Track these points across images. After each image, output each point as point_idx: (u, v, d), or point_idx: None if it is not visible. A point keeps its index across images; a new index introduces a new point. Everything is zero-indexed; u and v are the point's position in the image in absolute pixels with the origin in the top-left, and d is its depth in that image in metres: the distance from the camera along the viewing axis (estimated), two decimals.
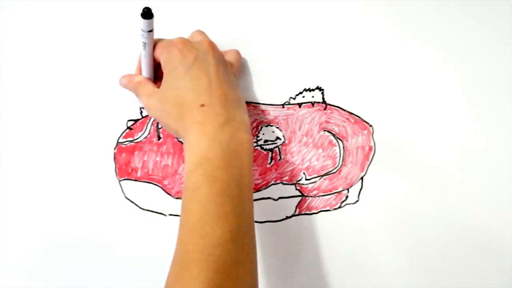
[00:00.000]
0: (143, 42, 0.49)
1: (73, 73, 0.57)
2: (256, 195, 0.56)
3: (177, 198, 0.56)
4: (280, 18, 0.55)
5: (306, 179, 0.55)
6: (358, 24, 0.55)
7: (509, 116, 0.54)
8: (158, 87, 0.50)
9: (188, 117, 0.47)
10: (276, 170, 0.56)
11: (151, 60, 0.51)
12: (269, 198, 0.55)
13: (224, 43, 0.55)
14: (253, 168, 0.55)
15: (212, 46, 0.50)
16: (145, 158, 0.56)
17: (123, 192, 0.56)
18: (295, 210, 0.55)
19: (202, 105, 0.46)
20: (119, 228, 0.56)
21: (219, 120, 0.46)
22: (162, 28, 0.56)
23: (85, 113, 0.57)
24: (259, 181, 0.55)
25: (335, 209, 0.55)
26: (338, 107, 0.55)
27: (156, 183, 0.56)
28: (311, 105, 0.55)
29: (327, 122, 0.55)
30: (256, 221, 0.55)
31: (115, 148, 0.56)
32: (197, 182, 0.44)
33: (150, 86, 0.51)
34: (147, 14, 0.46)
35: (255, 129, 0.55)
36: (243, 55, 0.55)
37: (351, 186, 0.55)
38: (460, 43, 0.54)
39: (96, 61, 0.56)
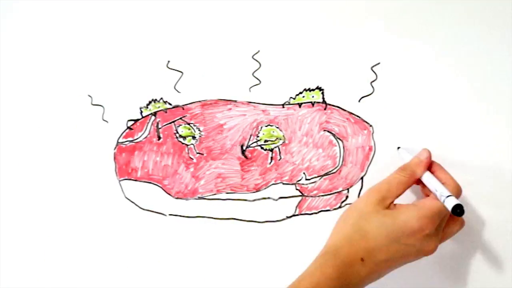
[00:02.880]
0: None
1: (73, 72, 0.57)
2: (256, 195, 0.56)
3: (177, 198, 0.56)
4: (280, 18, 0.55)
5: (306, 179, 0.55)
6: (359, 24, 0.55)
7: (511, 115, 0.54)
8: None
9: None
10: (276, 170, 0.56)
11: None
12: (269, 198, 0.55)
13: (224, 43, 0.55)
14: (253, 168, 0.55)
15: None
16: (145, 158, 0.56)
17: (123, 192, 0.56)
18: (295, 210, 0.55)
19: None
20: (119, 228, 0.56)
21: None
22: (162, 28, 0.56)
23: (85, 113, 0.57)
24: (259, 181, 0.55)
25: (335, 209, 0.55)
26: (338, 107, 0.55)
27: (156, 183, 0.56)
28: (311, 105, 0.55)
29: (327, 122, 0.55)
30: (256, 221, 0.55)
31: (115, 148, 0.56)
32: None
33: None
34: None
35: (255, 129, 0.55)
36: (244, 55, 0.55)
37: (351, 186, 0.55)
38: (461, 43, 0.54)
39: (96, 61, 0.57)
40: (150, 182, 0.56)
